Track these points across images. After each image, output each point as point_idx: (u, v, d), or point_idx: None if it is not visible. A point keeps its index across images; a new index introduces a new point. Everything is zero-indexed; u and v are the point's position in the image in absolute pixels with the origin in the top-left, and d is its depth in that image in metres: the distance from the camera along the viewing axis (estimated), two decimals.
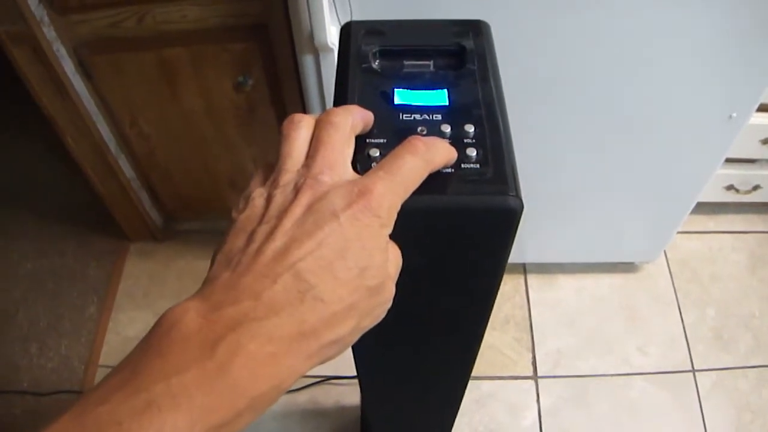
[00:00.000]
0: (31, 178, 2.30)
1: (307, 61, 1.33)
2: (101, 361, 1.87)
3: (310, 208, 0.43)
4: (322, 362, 0.44)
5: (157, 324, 0.39)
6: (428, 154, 0.50)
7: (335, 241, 0.42)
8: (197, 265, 2.03)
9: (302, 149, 0.49)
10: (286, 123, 0.50)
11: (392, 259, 0.47)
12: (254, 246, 0.42)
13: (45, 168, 2.29)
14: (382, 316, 0.48)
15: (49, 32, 1.41)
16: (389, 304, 0.48)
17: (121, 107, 1.64)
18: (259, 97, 1.59)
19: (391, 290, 0.47)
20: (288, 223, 0.43)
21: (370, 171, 0.46)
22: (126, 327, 1.94)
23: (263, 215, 0.44)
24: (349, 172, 0.48)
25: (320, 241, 0.42)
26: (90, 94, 1.59)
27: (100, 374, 1.85)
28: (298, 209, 0.43)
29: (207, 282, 0.42)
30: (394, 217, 0.46)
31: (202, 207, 2.05)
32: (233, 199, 1.94)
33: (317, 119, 0.51)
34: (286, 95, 1.57)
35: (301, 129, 0.50)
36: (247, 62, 1.50)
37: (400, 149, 0.48)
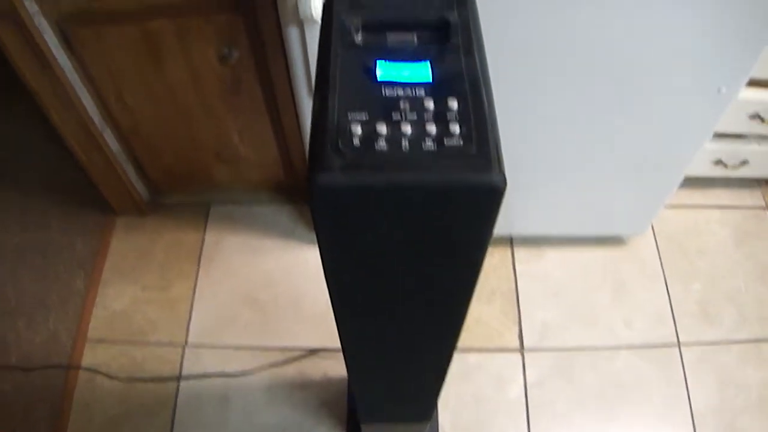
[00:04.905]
0: (16, 153, 2.27)
1: (292, 33, 1.32)
2: (89, 335, 1.87)
3: None
4: None
5: None
6: None
7: None
8: (184, 238, 2.02)
9: None
10: None
11: None
12: None
13: (30, 142, 2.26)
14: None
15: (30, 5, 1.38)
16: None
17: (106, 80, 1.62)
18: (244, 69, 1.57)
19: None
20: None
21: None
22: (113, 301, 1.93)
23: None
24: None
25: None
26: (74, 67, 1.57)
27: (88, 348, 1.85)
28: None
29: None
30: None
31: (188, 180, 2.04)
32: (219, 172, 1.94)
33: None
34: (272, 67, 1.56)
35: None
36: (232, 34, 1.48)
37: None
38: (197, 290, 1.94)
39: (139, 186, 2.02)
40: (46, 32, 1.45)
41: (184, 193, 2.12)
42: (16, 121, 2.29)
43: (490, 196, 0.56)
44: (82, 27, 1.48)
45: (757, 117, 1.77)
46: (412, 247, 0.65)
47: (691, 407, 1.74)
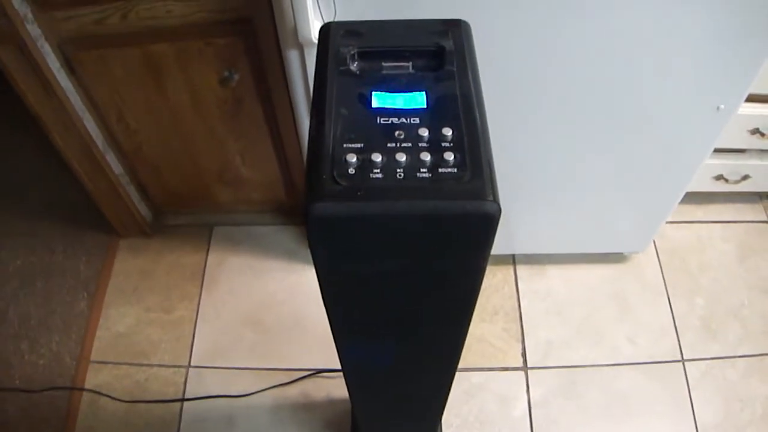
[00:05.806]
0: (20, 175, 2.29)
1: (292, 56, 1.33)
2: (92, 357, 1.87)
3: None
4: None
5: None
6: None
7: None
8: (187, 259, 2.02)
9: None
10: None
11: None
12: None
13: (33, 165, 2.28)
14: None
15: (33, 29, 1.40)
16: None
17: (108, 103, 1.64)
18: (245, 92, 1.59)
19: None
20: None
21: None
22: (117, 323, 1.93)
23: None
24: None
25: None
26: (76, 90, 1.58)
27: (91, 370, 1.85)
28: None
29: None
30: None
31: (190, 201, 2.05)
32: (221, 193, 1.95)
33: None
34: (273, 89, 1.57)
35: None
36: (233, 57, 1.49)
37: None
38: (200, 311, 1.94)
39: (142, 208, 2.03)
40: (49, 55, 1.47)
41: (187, 214, 2.13)
42: (20, 145, 2.31)
43: (484, 223, 0.56)
44: (84, 50, 1.49)
45: (757, 132, 1.77)
46: (409, 273, 0.66)
47: (696, 422, 1.73)
